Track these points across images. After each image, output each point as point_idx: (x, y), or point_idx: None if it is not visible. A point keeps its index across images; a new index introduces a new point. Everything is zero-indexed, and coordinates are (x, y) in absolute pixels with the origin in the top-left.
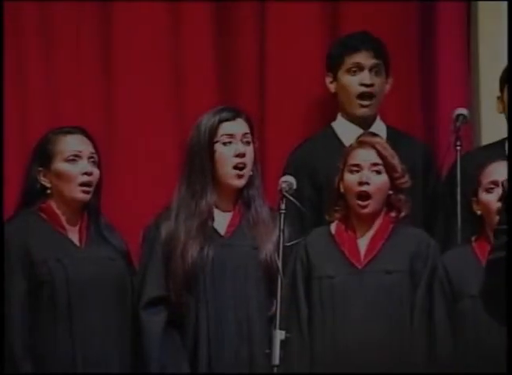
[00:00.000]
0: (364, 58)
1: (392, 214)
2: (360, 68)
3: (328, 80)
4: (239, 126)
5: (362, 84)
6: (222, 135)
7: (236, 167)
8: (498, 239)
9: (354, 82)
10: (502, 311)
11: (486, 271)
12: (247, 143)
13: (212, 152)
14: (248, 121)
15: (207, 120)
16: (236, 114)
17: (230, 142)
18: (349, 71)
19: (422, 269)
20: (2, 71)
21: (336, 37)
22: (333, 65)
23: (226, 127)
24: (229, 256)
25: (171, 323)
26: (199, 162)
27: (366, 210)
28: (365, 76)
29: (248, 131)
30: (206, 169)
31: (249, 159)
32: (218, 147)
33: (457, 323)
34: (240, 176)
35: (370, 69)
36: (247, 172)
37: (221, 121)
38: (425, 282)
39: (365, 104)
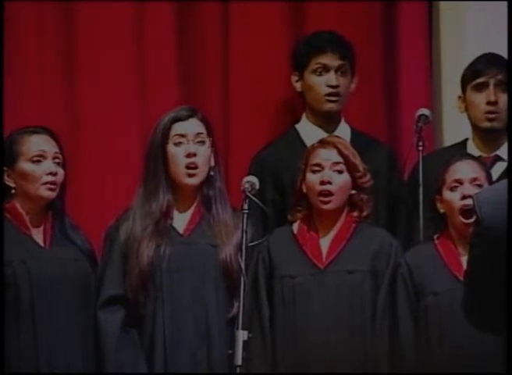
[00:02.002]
0: (330, 59)
1: (355, 214)
2: (326, 69)
3: (293, 78)
4: (191, 126)
5: (328, 85)
6: (174, 135)
7: (187, 167)
8: (471, 252)
9: (320, 82)
10: (488, 321)
11: (466, 284)
12: (201, 143)
13: (165, 153)
14: (203, 121)
15: (162, 121)
16: (189, 114)
17: (181, 142)
18: (315, 71)
19: (384, 269)
20: (2, 71)
21: (300, 36)
22: (299, 64)
23: (178, 127)
24: (187, 254)
25: (128, 323)
26: (153, 162)
27: (328, 205)
28: (331, 78)
29: (202, 131)
30: (159, 169)
31: (201, 159)
32: (170, 147)
33: (420, 320)
34: (191, 175)
35: (336, 70)
36: (199, 171)
37: (173, 121)
38: (387, 281)
39: (332, 99)
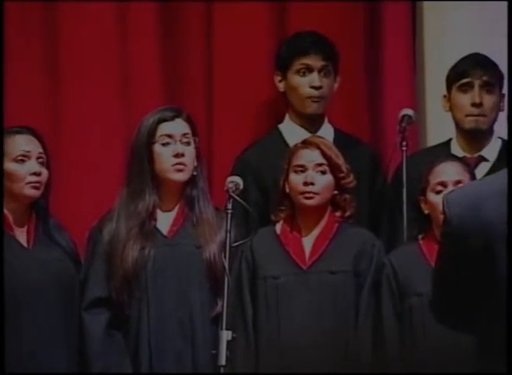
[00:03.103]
0: (313, 60)
1: (337, 214)
2: (309, 69)
3: (276, 79)
4: (178, 127)
5: (312, 86)
6: (161, 136)
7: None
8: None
9: (304, 83)
10: (457, 320)
11: (434, 283)
12: (187, 143)
13: (151, 153)
14: (189, 121)
15: (146, 121)
16: (175, 114)
17: (169, 143)
18: (298, 72)
19: (367, 269)
20: (2, 71)
21: (283, 36)
22: (282, 65)
23: (165, 128)
24: (171, 256)
25: (113, 324)
26: (138, 162)
27: (311, 201)
28: (314, 79)
29: (188, 131)
30: (145, 170)
31: (188, 159)
32: (157, 147)
33: (404, 321)
34: (179, 170)
35: (319, 71)
36: (187, 169)
37: (159, 121)
38: (370, 282)
39: (315, 100)
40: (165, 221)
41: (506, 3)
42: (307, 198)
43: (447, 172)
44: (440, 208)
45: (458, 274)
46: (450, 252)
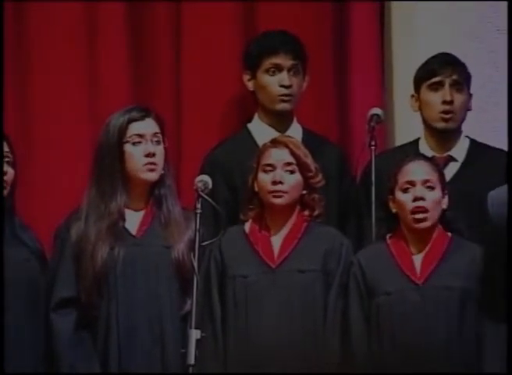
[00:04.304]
0: (283, 59)
1: (306, 213)
2: (279, 69)
3: (245, 78)
4: (148, 126)
5: (281, 85)
6: (132, 135)
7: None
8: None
9: (273, 82)
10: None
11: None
12: (157, 142)
13: (122, 153)
14: (158, 120)
15: (116, 120)
16: (145, 114)
17: (140, 142)
18: (267, 71)
19: (335, 268)
20: (2, 71)
21: (252, 36)
22: (251, 64)
23: (136, 127)
24: (140, 256)
25: (82, 324)
26: (108, 162)
27: (279, 200)
28: (284, 78)
29: (158, 131)
30: (115, 169)
31: (159, 159)
32: (128, 147)
33: (372, 320)
34: (151, 170)
35: (288, 70)
36: (158, 168)
37: (130, 121)
38: (338, 281)
39: (285, 99)
40: (133, 221)
41: (506, 3)
42: (275, 197)
43: (415, 171)
44: (407, 206)
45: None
46: (492, 250)
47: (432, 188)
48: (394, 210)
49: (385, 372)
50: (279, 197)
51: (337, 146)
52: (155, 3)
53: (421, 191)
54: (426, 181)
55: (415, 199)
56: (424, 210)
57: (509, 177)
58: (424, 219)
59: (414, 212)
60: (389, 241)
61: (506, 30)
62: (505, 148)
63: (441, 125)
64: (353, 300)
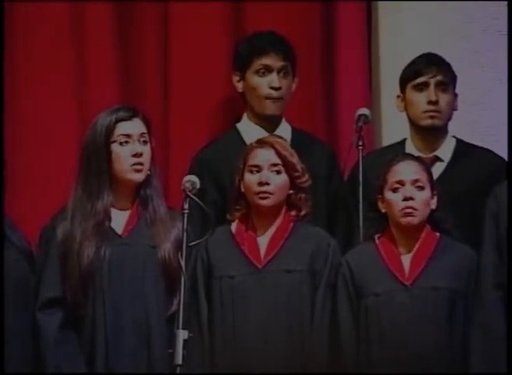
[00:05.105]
0: (272, 60)
1: (293, 213)
2: (268, 70)
3: (235, 78)
4: (136, 126)
5: (271, 87)
6: (119, 135)
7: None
8: None
9: (263, 83)
10: None
11: None
12: (144, 143)
13: (109, 152)
14: (145, 121)
15: (102, 120)
16: (132, 114)
17: (127, 142)
18: (257, 72)
19: (322, 268)
20: (2, 71)
21: (240, 36)
22: (241, 65)
23: (123, 127)
24: (126, 256)
25: (68, 324)
26: (95, 162)
27: (266, 201)
28: (274, 79)
29: (145, 131)
30: (102, 169)
31: (146, 159)
32: (115, 147)
33: (360, 321)
34: (138, 171)
35: (278, 71)
36: (145, 169)
37: (117, 121)
38: (325, 281)
39: (274, 101)
40: (119, 220)
41: (505, 3)
42: (262, 198)
43: (405, 171)
44: (397, 206)
45: None
46: None
47: (421, 188)
48: (383, 210)
49: (373, 372)
50: (266, 198)
51: (327, 145)
52: (143, 3)
53: (410, 190)
54: (416, 181)
55: (405, 199)
56: (414, 210)
57: (509, 177)
58: (411, 214)
59: (403, 212)
60: (377, 242)
61: (493, 30)
62: (490, 147)
63: (427, 122)
64: (342, 300)
